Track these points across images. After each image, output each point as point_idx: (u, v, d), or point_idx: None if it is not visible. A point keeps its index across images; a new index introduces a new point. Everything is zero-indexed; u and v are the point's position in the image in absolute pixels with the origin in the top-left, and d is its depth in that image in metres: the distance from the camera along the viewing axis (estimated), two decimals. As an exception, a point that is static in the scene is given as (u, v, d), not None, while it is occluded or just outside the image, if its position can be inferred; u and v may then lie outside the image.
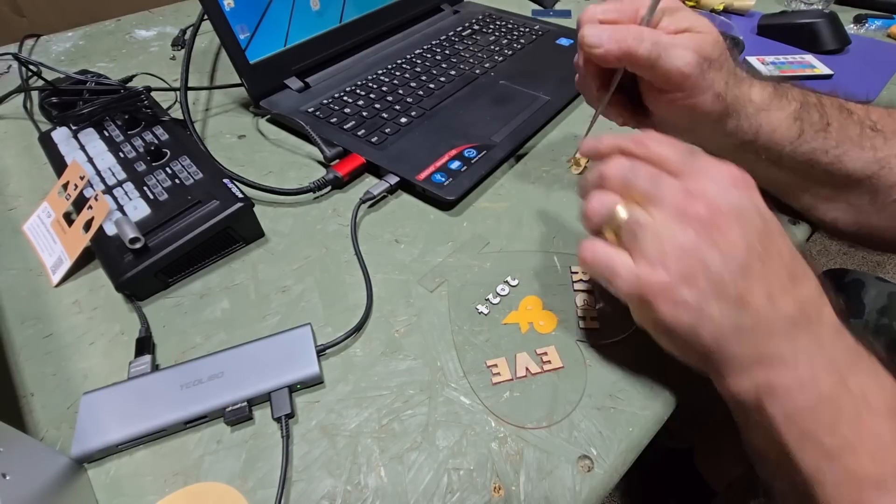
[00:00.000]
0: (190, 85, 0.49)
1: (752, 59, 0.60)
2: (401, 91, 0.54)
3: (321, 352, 0.32)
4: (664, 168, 0.26)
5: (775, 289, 0.24)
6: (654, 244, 0.24)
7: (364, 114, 0.51)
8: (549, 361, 0.32)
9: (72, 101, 0.49)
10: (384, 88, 0.54)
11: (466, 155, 0.45)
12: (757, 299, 0.23)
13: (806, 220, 0.40)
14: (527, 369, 0.31)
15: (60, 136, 0.45)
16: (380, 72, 0.57)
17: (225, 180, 0.40)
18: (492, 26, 0.67)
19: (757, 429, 0.25)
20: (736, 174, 0.25)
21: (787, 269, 0.24)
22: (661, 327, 0.25)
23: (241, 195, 0.38)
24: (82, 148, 0.43)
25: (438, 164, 0.44)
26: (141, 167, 0.41)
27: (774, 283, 0.24)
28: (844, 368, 0.23)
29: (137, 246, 0.35)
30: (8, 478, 0.22)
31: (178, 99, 0.49)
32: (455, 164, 0.44)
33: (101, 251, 0.36)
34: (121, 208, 0.38)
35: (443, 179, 0.43)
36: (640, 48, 0.30)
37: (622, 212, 0.26)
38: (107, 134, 0.45)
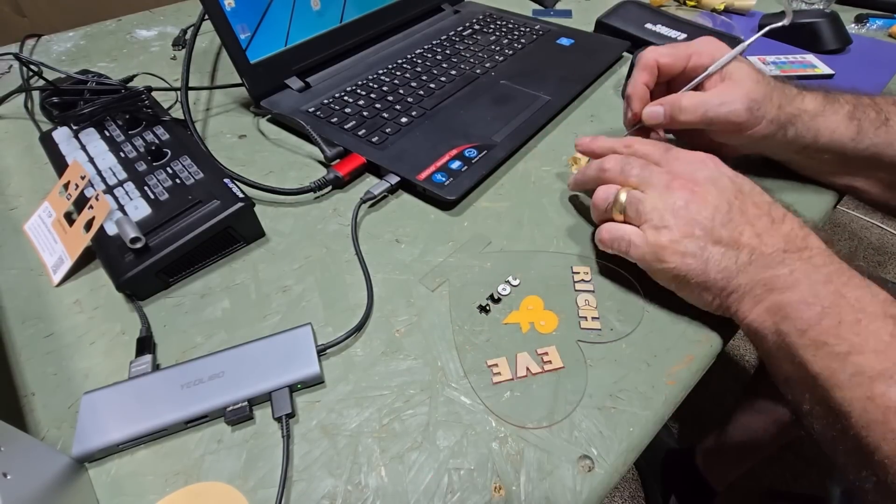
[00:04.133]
0: (191, 85, 0.49)
1: (753, 59, 0.60)
2: (401, 91, 0.54)
3: (322, 351, 0.32)
4: (649, 160, 0.34)
5: (760, 229, 0.29)
6: (654, 213, 0.31)
7: (365, 113, 0.51)
8: (550, 361, 0.32)
9: (73, 101, 0.49)
10: (385, 88, 0.54)
11: (467, 155, 0.45)
12: (747, 239, 0.29)
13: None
14: (527, 369, 0.31)
15: (61, 135, 0.45)
16: (380, 71, 0.57)
17: (225, 180, 0.40)
18: (492, 26, 0.67)
19: (779, 352, 0.28)
20: (705, 157, 0.33)
21: (766, 214, 0.30)
22: (677, 279, 0.31)
23: (241, 195, 0.38)
24: (83, 148, 0.44)
25: (439, 163, 0.44)
26: (142, 167, 0.41)
27: (758, 225, 0.30)
28: (839, 283, 0.27)
29: (138, 246, 0.35)
30: (9, 477, 0.22)
31: (179, 99, 0.49)
32: (455, 164, 0.44)
33: (101, 251, 0.37)
34: (121, 208, 0.38)
35: (443, 179, 0.43)
36: (695, 118, 0.37)
37: (624, 195, 0.33)
38: (107, 134, 0.45)
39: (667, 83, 0.41)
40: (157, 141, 0.44)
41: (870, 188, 0.40)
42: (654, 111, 0.38)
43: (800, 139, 0.37)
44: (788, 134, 0.37)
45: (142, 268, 0.35)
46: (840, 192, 0.43)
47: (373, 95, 0.53)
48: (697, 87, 0.39)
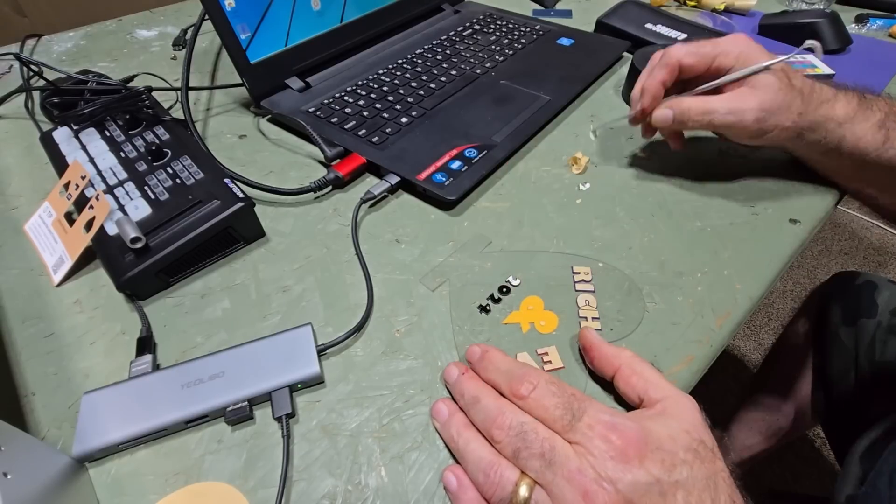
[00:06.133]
0: (191, 85, 0.49)
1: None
2: (401, 91, 0.54)
3: (322, 351, 0.32)
4: (548, 423, 0.25)
5: None
6: None
7: (365, 113, 0.51)
8: (550, 361, 0.32)
9: (73, 101, 0.49)
10: (385, 88, 0.54)
11: (467, 155, 0.45)
12: None
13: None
14: (527, 369, 0.31)
15: (62, 135, 0.45)
16: (381, 71, 0.57)
17: (226, 180, 0.40)
18: (492, 26, 0.67)
19: None
20: (628, 443, 0.24)
21: None
22: None
23: (241, 195, 0.38)
24: (83, 148, 0.44)
25: (439, 163, 0.44)
26: (142, 167, 0.41)
27: None
28: None
29: (138, 245, 0.35)
30: (9, 477, 0.22)
31: (179, 99, 0.49)
32: (456, 164, 0.44)
33: (102, 251, 0.37)
34: (122, 208, 0.38)
35: (443, 179, 0.43)
36: (700, 125, 0.37)
37: (525, 489, 0.24)
38: (108, 134, 0.45)
39: (683, 81, 0.40)
40: (157, 141, 0.44)
41: (881, 196, 0.40)
42: (663, 115, 0.38)
43: (823, 143, 0.37)
44: (808, 138, 0.37)
45: (142, 268, 0.35)
46: (848, 194, 0.43)
47: (373, 95, 0.53)
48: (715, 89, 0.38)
